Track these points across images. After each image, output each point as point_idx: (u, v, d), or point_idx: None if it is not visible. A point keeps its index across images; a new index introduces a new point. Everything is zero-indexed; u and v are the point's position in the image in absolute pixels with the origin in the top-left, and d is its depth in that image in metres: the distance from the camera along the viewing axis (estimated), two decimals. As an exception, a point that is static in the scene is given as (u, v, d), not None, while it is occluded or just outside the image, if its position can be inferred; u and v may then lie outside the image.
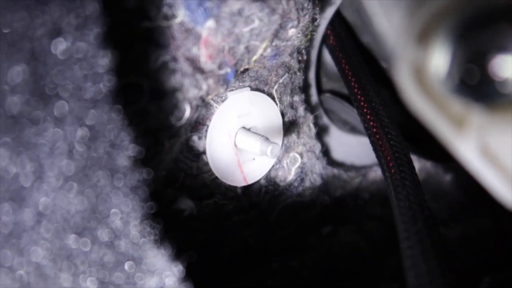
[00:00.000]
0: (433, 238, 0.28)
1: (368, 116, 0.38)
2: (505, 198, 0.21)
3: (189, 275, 0.23)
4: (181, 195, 0.36)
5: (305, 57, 0.40)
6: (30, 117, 0.18)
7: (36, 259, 0.20)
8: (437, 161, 0.52)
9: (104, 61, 0.20)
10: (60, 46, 0.19)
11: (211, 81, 0.32)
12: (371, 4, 0.21)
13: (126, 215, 0.22)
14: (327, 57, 0.44)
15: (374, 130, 0.38)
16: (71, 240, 0.20)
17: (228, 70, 0.33)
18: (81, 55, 0.19)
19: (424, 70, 0.18)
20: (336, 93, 0.47)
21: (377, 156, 0.37)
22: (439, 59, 0.18)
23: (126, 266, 0.22)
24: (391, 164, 0.35)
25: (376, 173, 0.51)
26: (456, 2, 0.17)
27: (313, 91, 0.44)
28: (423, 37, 0.18)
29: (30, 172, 0.19)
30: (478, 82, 0.17)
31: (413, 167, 0.34)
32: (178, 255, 0.24)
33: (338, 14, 0.41)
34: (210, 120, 0.35)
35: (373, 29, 0.21)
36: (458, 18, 0.17)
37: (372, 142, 0.37)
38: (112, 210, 0.22)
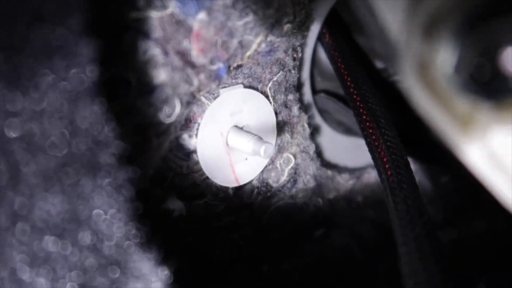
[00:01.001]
0: (432, 244, 0.27)
1: (364, 117, 0.38)
2: None
3: (177, 280, 0.22)
4: (170, 195, 0.35)
5: (300, 55, 0.39)
6: (4, 109, 0.17)
7: (11, 264, 0.18)
8: (432, 164, 0.51)
9: (86, 50, 0.19)
10: (38, 32, 0.17)
11: (202, 76, 0.31)
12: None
13: (110, 216, 0.21)
14: (322, 56, 0.44)
15: (371, 131, 0.37)
16: (50, 242, 0.19)
17: (221, 65, 0.32)
18: (62, 42, 0.18)
19: (429, 65, 0.17)
20: (330, 93, 0.46)
21: (373, 158, 0.36)
22: (446, 54, 0.17)
23: (109, 271, 0.21)
24: (387, 166, 0.34)
25: (370, 176, 0.50)
26: (466, -8, 0.16)
27: (307, 90, 0.43)
28: (429, 31, 0.17)
29: (4, 170, 0.17)
30: (489, 78, 0.16)
31: (411, 170, 0.34)
32: (165, 259, 0.23)
33: (334, 13, 0.40)
34: (202, 118, 0.34)
35: (376, 24, 0.20)
36: (467, 10, 0.16)
37: (368, 144, 0.37)
38: (95, 211, 0.20)
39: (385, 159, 0.34)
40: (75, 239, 0.20)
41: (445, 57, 0.17)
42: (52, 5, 0.18)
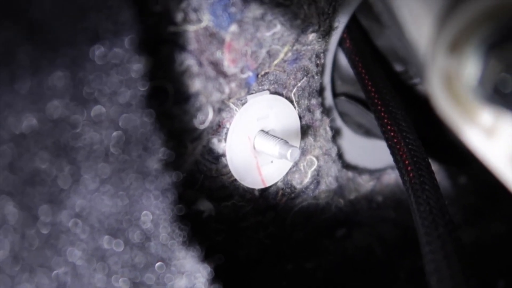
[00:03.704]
0: (455, 243, 0.28)
1: (386, 120, 0.38)
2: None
3: (218, 276, 0.24)
4: (200, 196, 0.36)
5: (322, 61, 0.40)
6: (69, 121, 0.19)
7: (72, 260, 0.20)
8: (450, 165, 0.52)
9: (138, 66, 0.21)
10: (98, 51, 0.19)
11: (233, 84, 0.33)
12: (401, 12, 0.21)
13: (156, 217, 0.23)
14: (342, 60, 0.45)
15: (392, 134, 0.38)
16: (105, 241, 0.21)
17: (250, 74, 0.33)
18: (117, 61, 0.20)
19: (455, 78, 0.19)
20: (350, 96, 0.47)
21: (395, 160, 0.37)
22: (472, 68, 0.18)
23: (156, 267, 0.23)
24: (409, 168, 0.35)
25: (390, 176, 0.51)
26: (491, 11, 0.17)
27: (328, 94, 0.44)
28: (456, 46, 0.18)
29: (68, 175, 0.19)
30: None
31: (432, 171, 0.35)
32: (206, 256, 0.24)
33: (354, 19, 0.42)
34: (230, 123, 0.35)
35: (402, 37, 0.22)
36: (492, 27, 0.17)
37: (389, 146, 0.37)
38: (144, 212, 0.22)
39: (406, 162, 0.35)
40: (127, 238, 0.22)
41: (470, 71, 0.18)
42: (108, 25, 0.20)
